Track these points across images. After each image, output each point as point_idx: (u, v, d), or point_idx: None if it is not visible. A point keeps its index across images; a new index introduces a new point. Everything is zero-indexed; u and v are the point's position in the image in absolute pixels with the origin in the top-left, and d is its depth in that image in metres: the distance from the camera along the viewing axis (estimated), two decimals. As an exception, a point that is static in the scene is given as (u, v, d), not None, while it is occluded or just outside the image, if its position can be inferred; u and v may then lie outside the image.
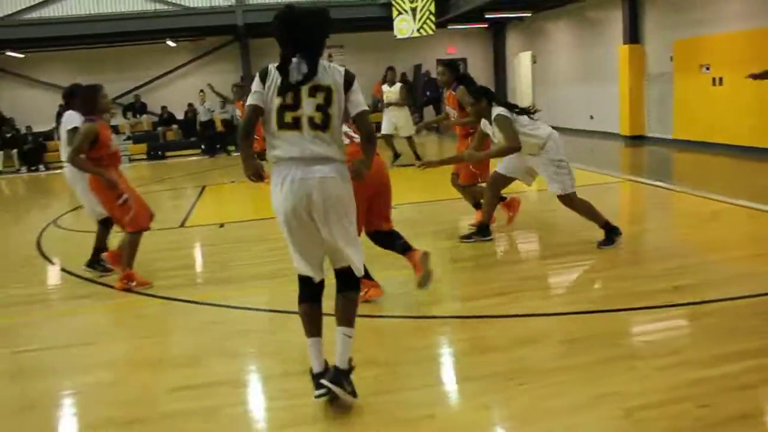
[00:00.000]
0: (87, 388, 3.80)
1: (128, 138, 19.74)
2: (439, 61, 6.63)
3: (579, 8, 16.49)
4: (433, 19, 16.71)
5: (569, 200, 5.93)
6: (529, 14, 18.41)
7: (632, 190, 9.15)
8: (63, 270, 6.66)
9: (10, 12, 18.49)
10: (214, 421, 3.27)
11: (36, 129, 19.30)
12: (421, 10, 16.84)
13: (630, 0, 14.11)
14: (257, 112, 3.10)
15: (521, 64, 21.01)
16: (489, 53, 22.26)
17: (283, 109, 3.04)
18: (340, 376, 3.21)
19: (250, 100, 3.12)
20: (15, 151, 18.56)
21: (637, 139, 14.09)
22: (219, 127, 19.22)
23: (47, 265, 6.99)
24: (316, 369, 3.29)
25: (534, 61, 19.77)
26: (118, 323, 4.97)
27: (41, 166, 18.65)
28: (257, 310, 4.98)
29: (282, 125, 3.05)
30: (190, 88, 20.47)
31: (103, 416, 3.43)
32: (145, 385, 3.74)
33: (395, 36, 17.47)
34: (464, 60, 22.20)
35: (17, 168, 18.42)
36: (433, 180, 8.57)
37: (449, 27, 19.93)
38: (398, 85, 12.79)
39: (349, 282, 3.33)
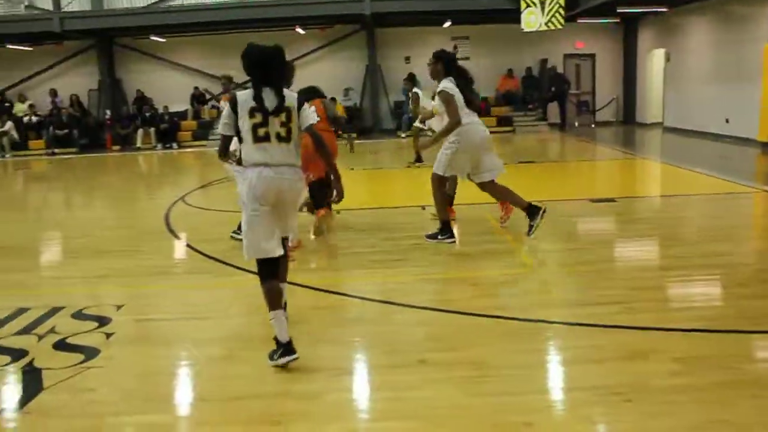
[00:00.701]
0: (200, 361, 4.01)
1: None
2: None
3: (720, 3, 15.51)
4: (562, 12, 16.26)
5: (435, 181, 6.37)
6: (665, 9, 17.51)
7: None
8: (187, 245, 7.03)
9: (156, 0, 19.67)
10: (316, 404, 3.35)
11: (172, 109, 20.48)
12: (550, 3, 16.42)
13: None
14: (228, 139, 4.07)
15: (653, 62, 20.05)
16: (619, 49, 21.36)
17: (255, 127, 3.84)
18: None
19: (223, 130, 3.98)
20: (152, 129, 19.77)
21: (776, 146, 13.12)
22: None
23: (173, 239, 7.40)
24: (285, 338, 3.76)
25: (667, 59, 18.79)
26: (233, 300, 5.18)
27: (174, 144, 19.76)
28: (367, 299, 5.03)
29: (256, 139, 3.85)
30: (317, 74, 20.91)
31: (212, 390, 3.62)
32: (254, 363, 3.88)
33: (522, 29, 17.11)
34: (592, 56, 21.47)
35: (154, 145, 19.61)
36: (552, 181, 8.37)
37: (579, 21, 19.28)
38: None
39: (285, 247, 4.11)
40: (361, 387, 3.67)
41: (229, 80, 9.56)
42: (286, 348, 3.74)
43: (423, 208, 8.05)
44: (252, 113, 3.83)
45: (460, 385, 3.45)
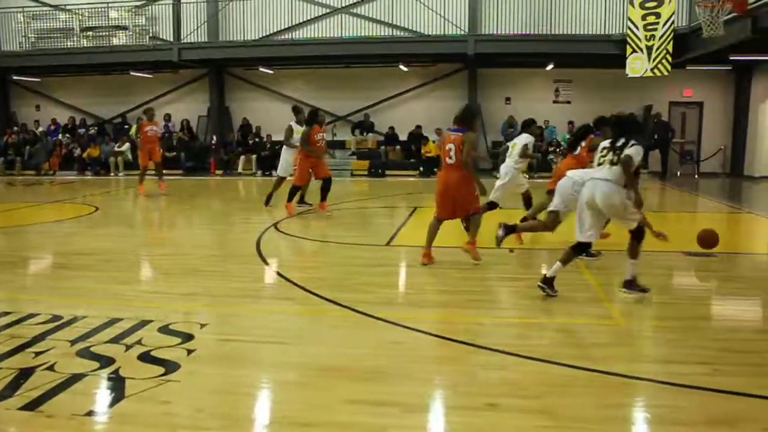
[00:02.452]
0: (274, 385, 4.12)
1: (353, 153, 20.93)
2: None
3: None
4: (669, 59, 15.83)
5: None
6: (784, 58, 16.74)
7: None
8: (275, 271, 7.23)
9: (266, 33, 20.57)
10: (381, 439, 3.37)
11: (275, 138, 21.20)
12: (657, 49, 16.02)
13: None
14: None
15: (766, 112, 19.14)
16: (730, 98, 20.52)
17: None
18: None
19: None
20: (254, 156, 20.51)
21: None
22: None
23: (262, 264, 7.62)
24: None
25: (782, 110, 17.92)
26: (313, 328, 5.28)
27: (274, 172, 20.35)
28: (445, 338, 5.00)
29: None
30: (417, 110, 21.31)
31: (282, 413, 3.71)
32: (326, 391, 3.94)
33: (626, 74, 16.76)
34: (700, 104, 20.72)
35: (254, 171, 20.32)
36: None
37: (687, 68, 18.70)
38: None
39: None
40: (429, 425, 3.64)
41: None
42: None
43: (511, 250, 7.94)
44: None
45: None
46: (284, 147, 12.14)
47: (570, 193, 6.60)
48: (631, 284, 5.96)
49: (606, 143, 5.87)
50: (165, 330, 5.00)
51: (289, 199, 11.29)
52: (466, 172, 7.20)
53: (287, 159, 12.00)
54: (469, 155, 7.11)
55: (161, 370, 4.20)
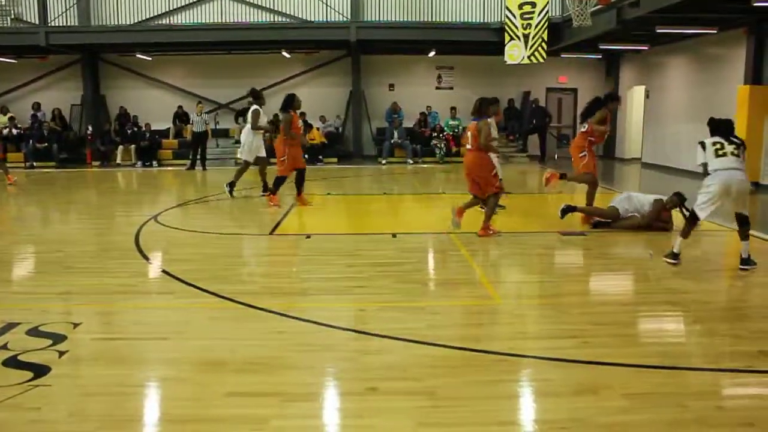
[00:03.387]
0: (152, 382, 4.00)
1: (236, 142, 20.47)
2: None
3: (699, 43, 15.85)
4: (545, 47, 16.48)
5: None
6: (646, 47, 17.83)
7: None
8: (155, 265, 7.00)
9: (143, 18, 19.73)
10: (261, 431, 3.34)
11: (154, 127, 20.45)
12: (533, 38, 16.63)
13: (756, 36, 13.44)
14: None
15: (634, 98, 20.37)
16: (601, 85, 21.65)
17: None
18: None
19: None
20: (133, 146, 19.70)
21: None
22: (321, 139, 19.79)
23: (140, 258, 7.34)
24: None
25: (647, 96, 19.11)
26: (192, 322, 5.14)
27: (155, 162, 19.69)
28: (327, 326, 4.98)
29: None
30: (301, 97, 21.01)
31: (160, 411, 3.62)
32: (205, 386, 3.86)
33: (505, 61, 17.34)
34: (575, 90, 21.77)
35: (133, 162, 19.53)
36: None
37: (562, 56, 19.57)
38: None
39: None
40: (310, 413, 3.64)
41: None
42: None
43: (307, 237, 8.17)
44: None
45: (410, 413, 3.46)
46: (248, 131, 11.72)
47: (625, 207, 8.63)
48: (747, 261, 6.52)
49: (715, 140, 6.56)
50: (34, 332, 4.73)
51: (274, 192, 10.84)
52: (483, 156, 8.05)
53: (253, 143, 11.68)
54: (487, 140, 7.97)
55: (29, 374, 3.97)
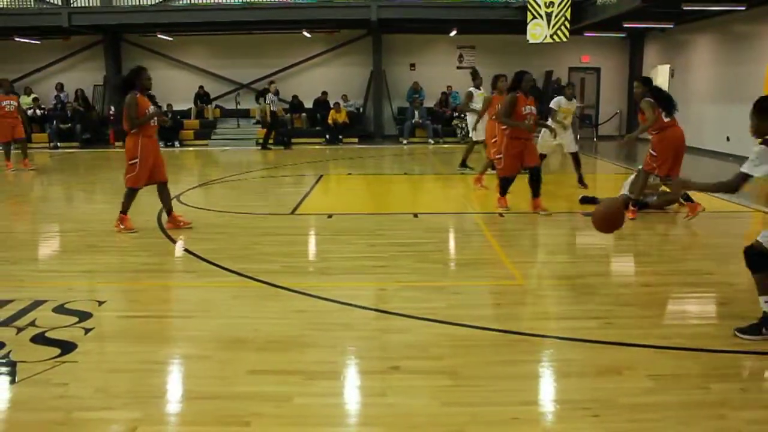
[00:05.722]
0: (176, 359, 4.04)
1: (257, 122, 20.53)
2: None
3: (726, 21, 15.52)
4: (567, 25, 16.27)
5: None
6: (671, 25, 17.52)
7: (765, 223, 8.48)
8: (178, 244, 7.05)
9: (164, -2, 19.78)
10: (286, 408, 3.36)
11: (176, 107, 20.52)
12: (556, 16, 16.42)
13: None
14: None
15: (658, 77, 20.03)
16: (625, 64, 21.39)
17: None
18: None
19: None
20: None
21: (777, 167, 13.06)
22: (343, 118, 19.74)
23: (164, 238, 7.39)
24: None
25: (672, 75, 18.81)
26: (215, 300, 5.18)
27: (177, 143, 19.79)
28: (348, 304, 4.99)
29: None
30: (322, 77, 21.09)
31: (184, 388, 3.66)
32: (228, 363, 3.90)
33: (527, 40, 17.13)
34: (598, 70, 21.49)
35: (156, 142, 19.60)
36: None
37: (585, 34, 19.30)
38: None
39: None
40: (332, 391, 3.66)
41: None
42: None
43: (329, 216, 8.06)
44: None
45: (432, 394, 3.47)
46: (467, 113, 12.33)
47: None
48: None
49: None
50: (60, 309, 4.80)
51: (502, 193, 8.71)
52: (494, 126, 8.71)
53: (472, 123, 11.90)
54: (498, 113, 8.48)
55: (57, 351, 4.03)
